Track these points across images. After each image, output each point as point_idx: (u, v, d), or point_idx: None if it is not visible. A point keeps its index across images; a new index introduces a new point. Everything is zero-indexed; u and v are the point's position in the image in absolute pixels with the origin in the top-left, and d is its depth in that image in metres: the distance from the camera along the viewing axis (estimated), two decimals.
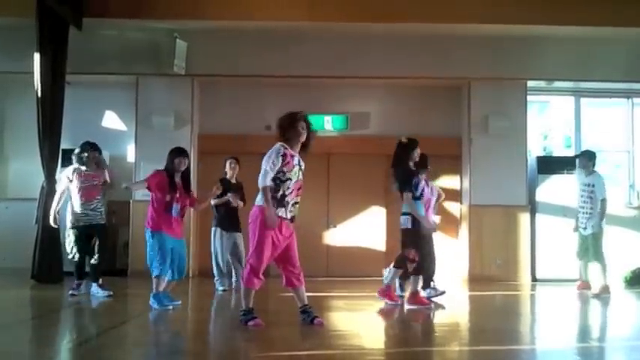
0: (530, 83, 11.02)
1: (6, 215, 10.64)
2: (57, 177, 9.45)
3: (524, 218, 10.68)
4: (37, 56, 9.39)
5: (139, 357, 5.25)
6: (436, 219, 8.36)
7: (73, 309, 7.68)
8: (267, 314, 6.29)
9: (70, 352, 5.28)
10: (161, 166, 7.26)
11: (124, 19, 10.07)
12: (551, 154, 12.11)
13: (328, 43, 10.63)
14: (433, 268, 8.14)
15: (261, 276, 5.91)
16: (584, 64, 10.82)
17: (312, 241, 10.55)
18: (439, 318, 7.14)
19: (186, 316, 7.09)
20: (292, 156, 5.95)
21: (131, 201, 10.30)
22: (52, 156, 9.60)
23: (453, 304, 8.06)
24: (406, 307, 7.38)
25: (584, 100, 11.71)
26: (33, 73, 9.46)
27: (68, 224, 8.16)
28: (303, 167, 6.05)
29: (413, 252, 7.25)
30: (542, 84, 11.29)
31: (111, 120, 11.33)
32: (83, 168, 8.16)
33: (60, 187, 8.30)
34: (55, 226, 8.31)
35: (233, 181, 8.88)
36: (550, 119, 12.52)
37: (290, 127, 6.00)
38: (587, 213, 8.99)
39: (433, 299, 7.86)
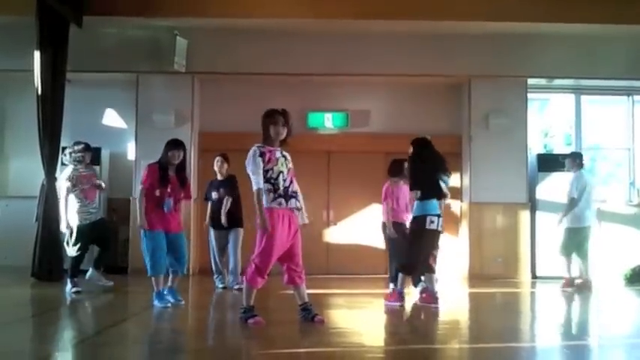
0: (531, 81, 11.02)
1: (6, 213, 10.64)
2: (57, 175, 9.46)
3: (524, 216, 10.68)
4: (37, 54, 9.38)
5: (140, 354, 5.26)
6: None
7: (73, 307, 7.69)
8: (267, 312, 6.29)
9: (71, 349, 5.29)
10: None
11: (124, 16, 10.06)
12: (551, 151, 12.11)
13: (328, 40, 10.62)
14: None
15: (265, 276, 5.93)
16: (584, 61, 10.81)
17: (312, 238, 10.53)
18: (440, 316, 7.13)
19: (187, 313, 7.09)
20: (271, 151, 6.00)
21: (131, 198, 10.30)
22: (52, 154, 9.60)
23: (453, 301, 8.07)
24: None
25: (584, 98, 11.70)
26: (33, 71, 9.44)
27: (73, 222, 8.28)
28: (288, 157, 6.11)
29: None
30: (542, 81, 11.28)
31: (111, 118, 11.33)
32: (81, 170, 8.38)
33: (63, 192, 8.38)
34: (68, 231, 8.32)
35: (220, 177, 8.82)
36: (550, 117, 12.52)
37: (265, 127, 6.07)
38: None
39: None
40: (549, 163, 10.89)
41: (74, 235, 8.28)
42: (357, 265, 10.71)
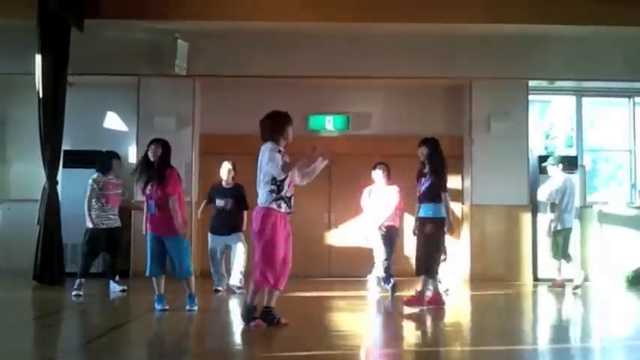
0: (532, 83, 11.01)
1: (8, 216, 10.65)
2: (58, 179, 9.52)
3: (525, 218, 10.67)
4: (38, 58, 9.40)
5: (140, 358, 5.26)
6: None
7: (75, 310, 7.70)
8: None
9: (72, 352, 5.29)
10: None
11: (125, 20, 10.08)
12: (552, 153, 12.09)
13: (329, 43, 10.63)
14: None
15: (277, 272, 5.90)
16: (585, 63, 10.80)
17: (313, 241, 10.56)
18: (441, 318, 7.13)
19: (187, 316, 7.08)
20: (285, 153, 6.03)
21: (132, 202, 10.28)
22: (53, 157, 9.61)
23: (455, 304, 8.06)
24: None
25: (585, 100, 11.70)
26: (35, 74, 9.46)
27: (89, 224, 8.46)
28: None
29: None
30: (543, 83, 11.28)
31: (112, 121, 11.34)
32: (110, 176, 8.66)
33: (88, 192, 8.58)
34: (92, 226, 8.46)
35: (226, 185, 8.79)
36: (552, 119, 12.51)
37: (280, 128, 6.08)
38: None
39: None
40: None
41: (87, 236, 8.47)
42: (359, 267, 10.67)
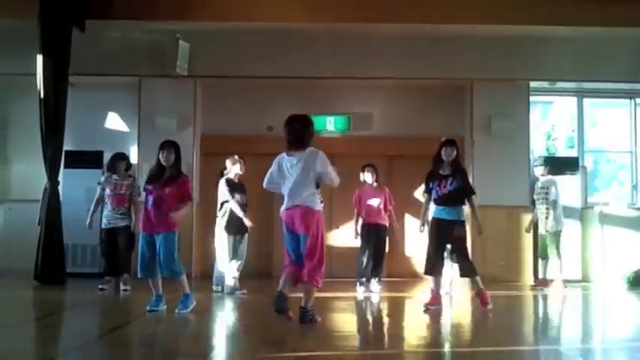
0: (533, 84, 11.02)
1: (9, 217, 10.67)
2: (59, 179, 9.55)
3: (526, 219, 10.64)
4: (39, 58, 9.41)
5: (141, 358, 5.26)
6: None
7: (76, 310, 7.70)
8: (269, 315, 6.28)
9: (73, 352, 5.28)
10: None
11: (126, 20, 10.10)
12: (554, 154, 12.09)
13: (331, 44, 10.64)
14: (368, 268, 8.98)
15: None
16: (587, 64, 10.82)
17: None
18: (442, 319, 7.13)
19: (188, 317, 7.07)
20: None
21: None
22: (54, 157, 9.61)
23: (456, 305, 8.06)
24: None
25: (587, 101, 11.70)
26: (36, 74, 9.48)
27: (101, 225, 8.94)
28: None
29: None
30: (544, 84, 11.29)
31: (114, 121, 11.35)
32: (114, 176, 8.86)
33: (96, 194, 8.92)
34: (101, 227, 8.92)
35: (237, 181, 8.67)
36: (553, 120, 12.50)
37: (312, 134, 6.33)
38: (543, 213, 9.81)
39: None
40: (552, 166, 10.85)
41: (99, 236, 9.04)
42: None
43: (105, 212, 8.86)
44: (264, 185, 6.41)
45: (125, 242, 8.79)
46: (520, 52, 10.74)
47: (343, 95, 11.32)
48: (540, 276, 9.98)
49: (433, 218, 7.45)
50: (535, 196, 9.95)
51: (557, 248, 9.65)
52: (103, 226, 8.86)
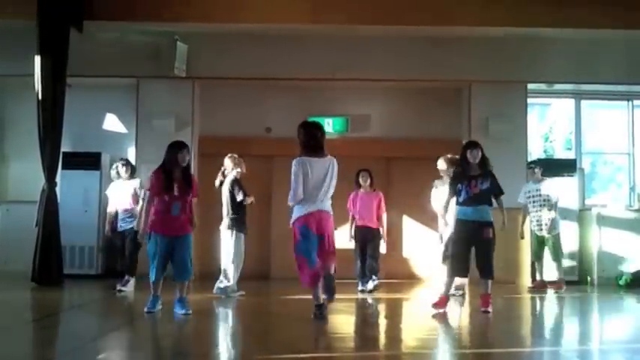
0: (531, 86, 11.03)
1: (7, 218, 10.64)
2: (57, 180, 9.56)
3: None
4: (37, 59, 9.39)
5: (140, 358, 5.26)
6: None
7: (74, 311, 7.69)
8: (269, 316, 6.29)
9: (71, 354, 5.27)
10: None
11: (124, 21, 10.08)
12: (551, 156, 12.10)
13: (328, 45, 10.64)
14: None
15: None
16: (584, 66, 10.84)
17: None
18: (441, 321, 7.12)
19: (189, 318, 7.06)
20: None
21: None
22: (52, 159, 9.59)
23: (454, 307, 8.06)
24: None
25: (584, 103, 11.71)
26: (34, 75, 9.45)
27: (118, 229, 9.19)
28: None
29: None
30: (542, 86, 11.30)
31: (111, 122, 11.34)
32: (119, 181, 9.21)
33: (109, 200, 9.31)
34: (110, 235, 9.29)
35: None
36: (550, 121, 12.52)
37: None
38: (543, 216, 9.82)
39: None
40: (549, 167, 10.86)
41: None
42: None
43: (115, 217, 9.13)
44: (300, 197, 6.63)
45: (132, 245, 8.85)
46: (518, 54, 10.76)
47: (341, 97, 11.33)
48: (537, 278, 10.03)
49: (460, 220, 7.36)
50: (529, 199, 9.87)
51: (560, 250, 9.76)
52: (117, 229, 9.09)
